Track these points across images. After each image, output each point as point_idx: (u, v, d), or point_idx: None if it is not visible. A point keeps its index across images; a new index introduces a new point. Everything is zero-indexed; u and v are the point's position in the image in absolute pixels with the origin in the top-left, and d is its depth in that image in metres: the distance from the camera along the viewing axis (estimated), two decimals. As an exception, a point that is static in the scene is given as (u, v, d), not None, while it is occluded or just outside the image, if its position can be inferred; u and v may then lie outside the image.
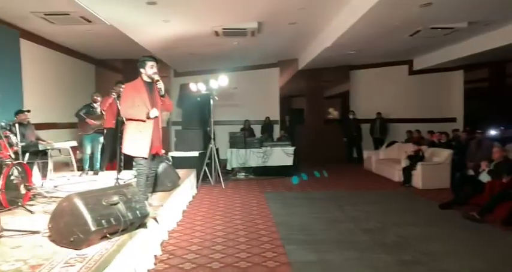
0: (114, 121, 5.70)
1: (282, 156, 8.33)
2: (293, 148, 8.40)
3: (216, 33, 7.10)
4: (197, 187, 6.78)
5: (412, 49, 9.32)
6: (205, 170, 7.28)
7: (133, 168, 4.05)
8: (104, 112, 6.34)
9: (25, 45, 6.83)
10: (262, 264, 3.25)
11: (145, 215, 3.00)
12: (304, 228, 4.40)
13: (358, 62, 10.84)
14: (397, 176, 7.72)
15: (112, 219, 2.69)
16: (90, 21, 6.37)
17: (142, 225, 3.11)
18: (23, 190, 4.08)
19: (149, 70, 3.80)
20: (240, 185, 7.39)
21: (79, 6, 5.35)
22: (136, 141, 3.77)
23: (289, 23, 6.80)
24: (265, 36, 7.57)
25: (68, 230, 2.62)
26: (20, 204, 3.94)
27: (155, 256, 3.41)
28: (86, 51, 9.13)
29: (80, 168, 6.54)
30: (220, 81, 7.19)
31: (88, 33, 7.15)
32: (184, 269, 3.14)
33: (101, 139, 6.52)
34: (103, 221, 2.62)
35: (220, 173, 7.22)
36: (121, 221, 2.74)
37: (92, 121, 6.31)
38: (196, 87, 7.95)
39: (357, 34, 6.85)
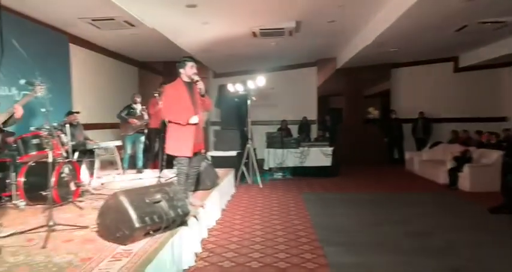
0: (159, 122, 5.87)
1: (319, 156, 8.23)
2: (331, 148, 8.27)
3: (254, 34, 7.14)
4: (235, 187, 6.85)
5: (457, 45, 8.87)
6: (243, 170, 7.35)
7: (174, 167, 4.16)
8: (147, 114, 6.58)
9: (74, 50, 7.22)
10: (301, 265, 3.22)
11: (186, 214, 3.08)
12: (343, 230, 4.32)
13: (399, 59, 10.47)
14: (442, 178, 7.38)
15: (155, 217, 2.78)
16: (133, 25, 6.61)
17: (184, 223, 3.19)
18: (73, 187, 4.32)
19: (189, 70, 3.88)
20: (278, 185, 7.39)
21: (123, 11, 5.57)
22: (179, 141, 3.85)
23: (328, 21, 6.69)
24: (303, 36, 7.50)
25: (114, 227, 2.74)
26: (70, 200, 4.18)
27: (196, 253, 3.48)
28: (130, 54, 9.50)
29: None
30: (258, 81, 7.23)
31: (131, 37, 7.43)
32: (224, 267, 3.19)
33: (142, 138, 6.76)
34: (146, 218, 2.72)
35: (258, 173, 7.25)
36: (163, 219, 2.82)
37: (135, 121, 6.55)
38: (234, 88, 8.04)
39: (399, 31, 6.62)
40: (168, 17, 6.04)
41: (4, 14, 5.40)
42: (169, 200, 2.96)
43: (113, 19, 6.24)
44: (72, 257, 2.51)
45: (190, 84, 3.96)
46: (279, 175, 8.37)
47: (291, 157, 8.29)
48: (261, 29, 6.81)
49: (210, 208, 4.46)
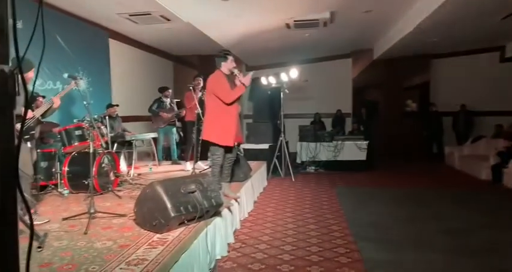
0: (195, 115, 5.96)
1: (354, 150, 8.07)
2: (366, 142, 8.08)
3: (287, 26, 7.06)
4: (267, 179, 6.87)
5: (504, 34, 8.34)
6: (275, 163, 7.34)
7: (209, 159, 4.22)
8: (176, 106, 6.72)
9: (113, 45, 7.47)
10: (334, 259, 3.19)
11: (219, 204, 3.12)
12: (378, 225, 4.22)
13: (440, 50, 10.00)
14: (485, 174, 7.02)
15: (189, 206, 2.84)
16: (169, 20, 6.73)
17: (217, 213, 3.24)
18: (112, 177, 4.50)
19: (230, 64, 3.94)
20: (310, 179, 7.33)
21: (159, 6, 5.69)
22: (223, 130, 3.86)
23: (363, 11, 6.50)
24: (337, 26, 7.34)
25: (150, 215, 2.83)
26: (109, 189, 4.36)
27: (229, 243, 3.54)
28: (165, 48, 9.70)
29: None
30: (291, 73, 7.17)
31: (167, 31, 7.58)
32: (256, 259, 3.21)
33: (174, 130, 6.94)
34: (181, 208, 2.78)
35: (290, 166, 7.22)
36: (197, 208, 2.88)
37: (165, 114, 6.71)
38: (267, 80, 8.01)
39: (440, 20, 6.32)
40: (202, 10, 6.10)
41: (48, 10, 5.67)
42: (203, 190, 3.01)
43: (149, 14, 6.38)
44: (111, 244, 2.62)
45: (230, 77, 4.00)
46: (311, 168, 8.30)
47: (324, 151, 8.19)
48: (294, 21, 6.72)
49: (242, 199, 4.51)
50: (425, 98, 10.94)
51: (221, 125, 3.86)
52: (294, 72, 7.12)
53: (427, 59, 10.56)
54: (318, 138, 8.26)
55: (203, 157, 5.54)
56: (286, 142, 7.58)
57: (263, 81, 8.10)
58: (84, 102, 3.24)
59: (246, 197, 4.68)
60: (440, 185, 6.73)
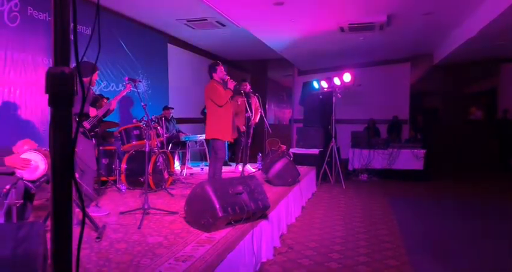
0: (244, 119, 6.04)
1: (410, 158, 7.68)
2: (424, 150, 7.66)
3: (342, 29, 6.92)
4: (317, 185, 6.76)
5: None
6: (325, 169, 7.21)
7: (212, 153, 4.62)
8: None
9: (171, 49, 7.83)
10: (384, 271, 3.05)
11: (266, 207, 3.13)
12: (434, 240, 3.97)
13: (509, 53, 9.23)
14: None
15: (237, 207, 2.88)
16: (224, 25, 6.93)
17: (264, 216, 3.25)
18: (166, 175, 4.70)
19: (220, 73, 4.54)
20: (362, 187, 7.09)
21: (215, 12, 5.87)
22: (224, 127, 4.48)
23: (423, 13, 6.19)
24: (395, 30, 7.06)
25: (199, 214, 2.91)
26: (163, 187, 4.55)
27: (275, 247, 3.53)
28: (220, 53, 9.98)
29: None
30: (344, 78, 7.02)
31: (222, 36, 7.80)
32: (302, 265, 3.17)
33: None
34: (229, 208, 2.83)
35: (341, 173, 7.05)
36: (244, 210, 2.91)
37: None
38: (319, 84, 7.92)
39: (510, 21, 5.83)
40: (257, 16, 6.18)
41: (113, 17, 6.09)
42: (251, 193, 3.04)
43: (205, 20, 6.62)
44: (162, 239, 2.73)
45: (223, 84, 4.60)
46: (364, 176, 8.03)
47: (378, 159, 7.88)
48: (349, 24, 6.57)
49: (290, 204, 4.48)
50: (492, 105, 10.15)
51: (222, 124, 4.45)
52: (347, 76, 6.96)
53: (495, 63, 9.79)
54: (371, 145, 7.98)
55: (252, 160, 5.60)
56: (338, 148, 7.41)
57: (315, 85, 8.01)
58: (142, 104, 3.43)
59: (293, 201, 4.64)
60: (510, 200, 6.17)
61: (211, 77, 4.60)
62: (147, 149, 3.40)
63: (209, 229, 2.85)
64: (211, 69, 4.59)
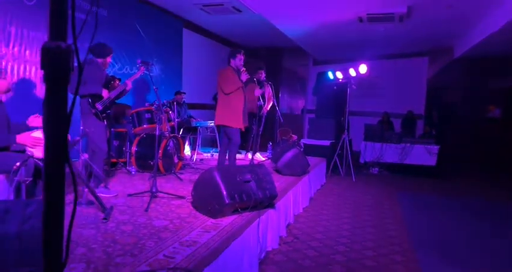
0: (256, 106, 6.00)
1: (423, 154, 7.55)
2: (438, 146, 7.52)
3: (360, 20, 6.76)
4: (326, 177, 6.71)
5: None
6: (335, 161, 7.15)
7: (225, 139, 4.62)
8: None
9: (186, 34, 7.78)
10: (390, 266, 3.02)
11: (273, 196, 3.11)
12: (442, 237, 3.91)
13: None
14: None
15: (244, 195, 2.87)
16: (240, 11, 6.83)
17: (271, 205, 3.23)
18: (176, 160, 4.71)
19: (238, 61, 4.46)
20: (372, 181, 7.02)
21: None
22: (234, 114, 4.40)
23: (445, 5, 5.99)
24: (414, 22, 6.87)
25: (206, 200, 2.91)
26: (173, 171, 4.56)
27: (280, 237, 3.52)
28: (235, 39, 9.88)
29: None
30: (360, 69, 6.88)
31: (238, 23, 7.70)
32: (308, 256, 3.15)
33: None
34: (236, 195, 2.81)
35: (351, 165, 6.98)
36: (252, 198, 2.89)
37: None
38: (334, 75, 7.79)
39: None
40: (274, 2, 6.06)
41: (132, 1, 6.04)
42: (259, 181, 3.02)
43: (222, 5, 6.53)
44: (168, 223, 2.74)
45: (238, 72, 4.50)
46: (374, 170, 7.95)
47: (390, 153, 7.77)
48: (368, 14, 6.41)
49: (298, 194, 4.45)
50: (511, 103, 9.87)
51: (231, 111, 4.39)
52: (363, 68, 6.83)
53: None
54: (384, 139, 7.86)
55: (262, 148, 5.57)
56: (350, 141, 7.32)
57: (330, 75, 7.89)
58: (154, 87, 3.41)
59: (301, 192, 4.61)
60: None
61: (229, 63, 4.52)
62: (157, 133, 3.40)
63: (215, 215, 2.85)
64: (231, 55, 4.50)
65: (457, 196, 6.09)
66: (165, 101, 5.06)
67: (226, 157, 4.64)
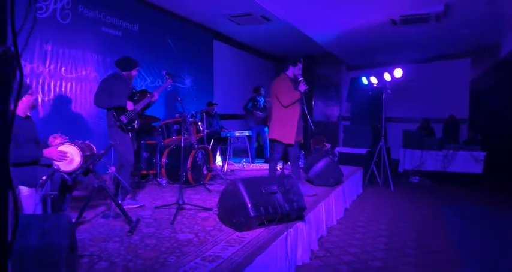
0: None
1: (468, 161, 7.06)
2: (484, 153, 7.00)
3: (393, 22, 6.48)
4: (363, 187, 6.43)
5: None
6: (372, 169, 6.84)
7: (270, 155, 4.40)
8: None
9: (217, 45, 7.85)
10: (431, 285, 2.77)
11: (302, 209, 2.96)
12: (490, 253, 3.56)
13: None
14: None
15: (270, 207, 2.75)
16: (269, 20, 6.79)
17: (300, 217, 3.08)
18: (205, 171, 4.68)
19: (298, 70, 4.18)
20: (412, 190, 6.63)
21: (259, 6, 5.75)
22: (286, 128, 4.07)
23: (485, 2, 5.59)
24: (453, 21, 6.47)
25: (231, 212, 2.82)
26: (202, 182, 4.53)
27: (312, 251, 3.36)
28: (267, 48, 9.86)
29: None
30: (395, 73, 6.58)
31: (268, 32, 7.67)
32: (340, 271, 2.96)
33: (267, 129, 6.94)
34: (261, 208, 2.70)
35: (390, 174, 6.64)
36: (278, 210, 2.76)
37: (259, 113, 6.77)
38: (368, 80, 7.53)
39: None
40: (299, 8, 5.95)
41: (161, 14, 6.19)
42: (285, 193, 2.88)
43: (250, 15, 6.53)
44: (193, 237, 2.67)
45: (294, 81, 4.20)
46: (415, 179, 7.52)
47: (431, 160, 7.34)
48: (401, 16, 6.13)
49: (331, 206, 4.26)
50: None
51: (284, 124, 4.08)
52: (398, 72, 6.53)
53: None
54: (425, 145, 7.44)
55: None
56: (388, 148, 6.99)
57: (363, 81, 7.62)
58: (178, 98, 3.40)
59: (335, 203, 4.41)
60: None
61: (285, 71, 4.19)
62: (182, 143, 3.37)
63: (241, 228, 2.75)
64: (290, 62, 4.16)
65: (508, 208, 5.59)
66: (193, 112, 5.08)
67: (279, 168, 4.50)
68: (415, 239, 3.86)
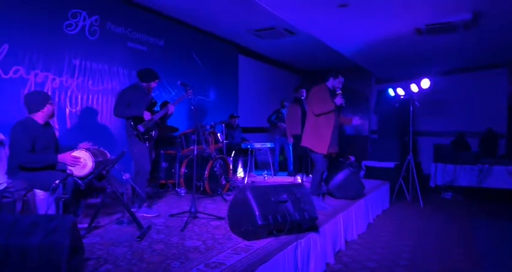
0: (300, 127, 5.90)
1: (505, 177, 6.61)
2: (523, 168, 6.55)
3: (418, 32, 6.30)
4: (390, 202, 6.17)
5: None
6: (401, 184, 6.56)
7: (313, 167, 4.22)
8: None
9: (242, 60, 7.97)
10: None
11: (313, 219, 2.87)
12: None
13: None
14: None
15: (278, 216, 2.69)
16: (293, 33, 6.83)
17: (312, 228, 2.99)
18: (223, 181, 4.68)
19: (338, 83, 4.12)
20: (444, 207, 6.27)
21: (281, 19, 5.81)
22: (319, 138, 4.03)
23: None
24: (483, 29, 6.21)
25: (240, 221, 2.78)
26: (219, 192, 4.53)
27: (327, 264, 3.24)
28: (292, 62, 9.89)
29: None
30: (422, 84, 6.37)
31: (292, 45, 7.70)
32: (353, 286, 2.83)
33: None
34: (269, 217, 2.65)
35: (419, 189, 6.34)
36: (287, 220, 2.70)
37: (283, 124, 6.74)
38: (395, 92, 7.33)
39: None
40: (321, 19, 5.92)
41: (187, 30, 6.39)
42: (296, 202, 2.82)
43: (273, 28, 6.59)
44: (200, 244, 2.66)
45: (332, 93, 4.15)
46: (447, 195, 7.14)
47: (465, 175, 6.94)
48: (427, 25, 5.95)
49: (351, 219, 4.11)
50: None
51: (316, 133, 4.04)
52: (425, 83, 6.31)
53: None
54: (458, 160, 7.06)
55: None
56: (418, 163, 6.71)
57: (390, 92, 7.43)
58: (191, 107, 3.46)
59: (356, 216, 4.26)
60: None
61: (325, 81, 4.18)
62: (195, 152, 3.40)
63: (249, 237, 2.70)
64: (332, 74, 4.15)
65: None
66: (212, 123, 5.13)
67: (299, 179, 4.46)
68: (440, 255, 3.63)
